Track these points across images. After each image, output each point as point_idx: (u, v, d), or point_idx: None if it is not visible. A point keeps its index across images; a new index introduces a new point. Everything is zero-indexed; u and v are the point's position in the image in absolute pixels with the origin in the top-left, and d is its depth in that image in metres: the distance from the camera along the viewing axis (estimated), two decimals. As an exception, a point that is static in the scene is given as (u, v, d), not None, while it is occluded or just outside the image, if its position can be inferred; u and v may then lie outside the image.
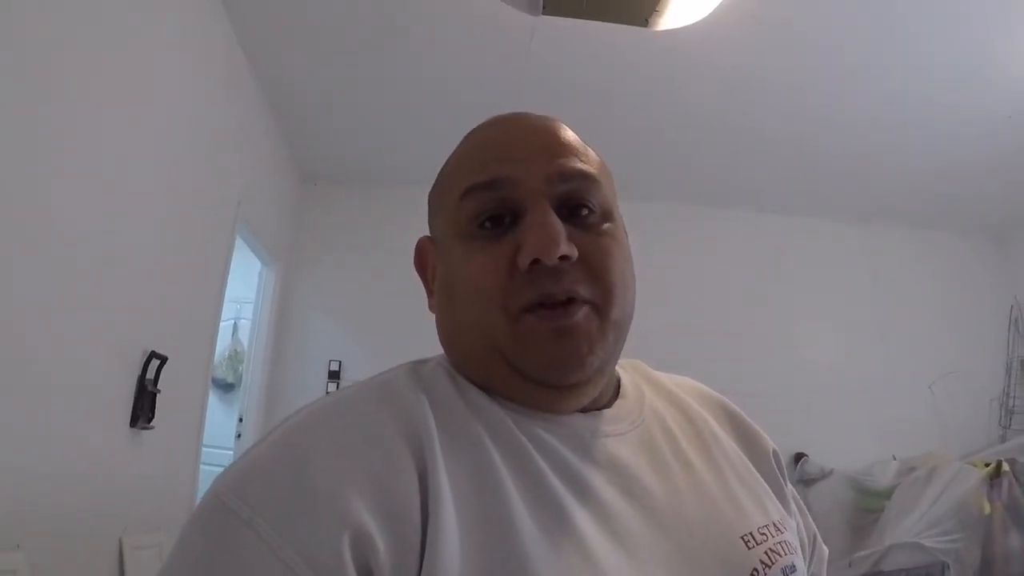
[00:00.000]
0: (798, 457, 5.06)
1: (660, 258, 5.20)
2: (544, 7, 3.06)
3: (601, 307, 0.82)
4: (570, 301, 0.79)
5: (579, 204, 0.84)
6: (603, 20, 3.17)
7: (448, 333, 0.88)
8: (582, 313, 0.80)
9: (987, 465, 4.12)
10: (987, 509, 3.90)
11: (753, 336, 5.41)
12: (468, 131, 0.94)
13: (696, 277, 5.51)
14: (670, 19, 3.13)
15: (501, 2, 3.12)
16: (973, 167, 4.75)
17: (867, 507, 4.56)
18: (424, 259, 0.96)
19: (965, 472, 4.11)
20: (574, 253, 0.79)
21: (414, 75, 3.92)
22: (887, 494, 4.44)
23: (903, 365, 5.45)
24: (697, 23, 3.19)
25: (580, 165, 0.85)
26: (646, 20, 3.13)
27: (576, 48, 3.60)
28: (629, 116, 4.32)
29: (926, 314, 5.65)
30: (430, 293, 0.94)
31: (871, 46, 3.52)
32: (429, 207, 0.95)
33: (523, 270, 0.78)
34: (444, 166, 0.93)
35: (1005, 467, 4.05)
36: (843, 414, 5.23)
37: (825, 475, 4.87)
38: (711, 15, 3.12)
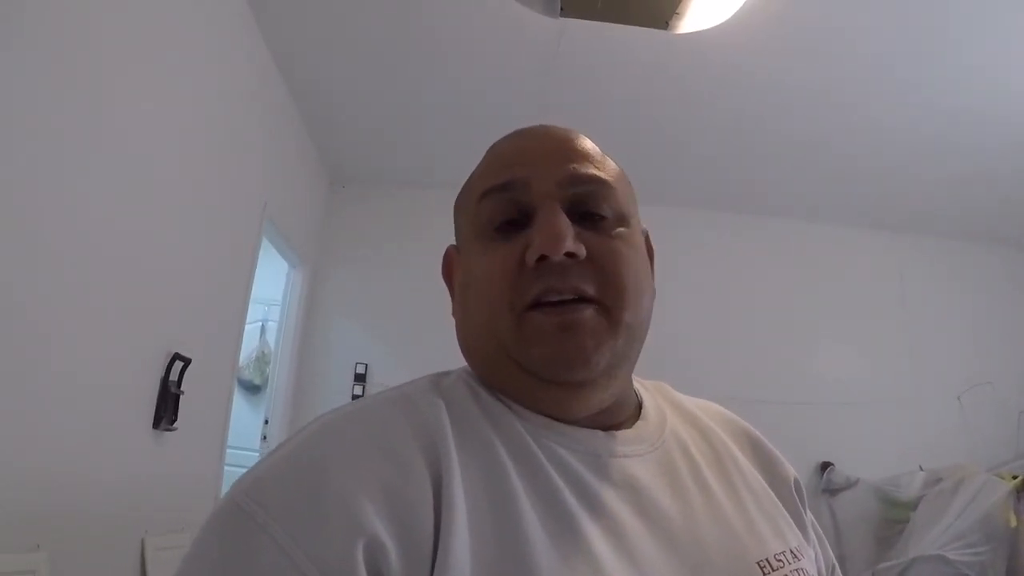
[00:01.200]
0: (824, 466, 5.01)
1: (684, 264, 5.19)
2: (562, 9, 3.05)
3: (610, 308, 0.82)
4: (577, 300, 0.81)
5: (591, 208, 0.86)
6: (622, 22, 3.14)
7: (463, 336, 0.91)
8: (589, 311, 0.81)
9: (1015, 477, 4.08)
10: (1013, 522, 3.86)
11: (780, 345, 5.37)
12: (493, 134, 0.99)
13: (721, 284, 5.48)
14: (691, 22, 3.09)
15: (526, 8, 3.11)
16: (1004, 176, 4.67)
17: (893, 518, 4.51)
18: (450, 268, 0.98)
19: (992, 484, 4.07)
20: (581, 251, 0.81)
21: (441, 79, 3.93)
22: (913, 505, 4.39)
23: (931, 375, 5.38)
24: (720, 26, 3.15)
25: (593, 170, 0.88)
26: (667, 23, 3.09)
27: (600, 52, 3.59)
28: (653, 121, 4.30)
29: (955, 324, 5.58)
30: (455, 300, 0.96)
31: (901, 52, 3.47)
32: (454, 216, 0.98)
33: (530, 267, 0.80)
34: (469, 176, 0.96)
35: (1033, 480, 4.01)
36: (870, 424, 5.18)
37: (851, 485, 4.83)
38: (734, 18, 3.09)
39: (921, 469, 4.69)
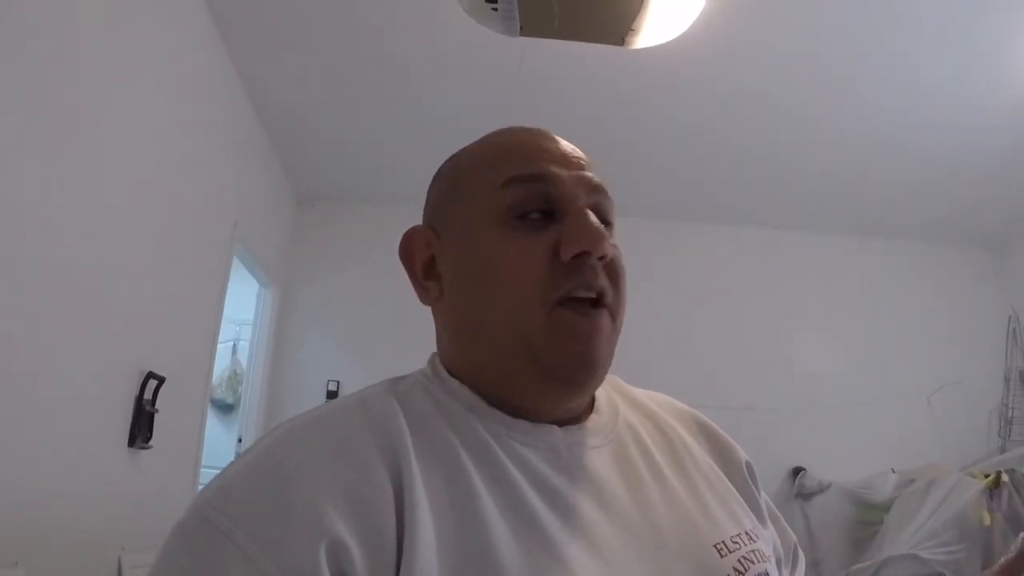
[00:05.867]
0: (796, 471, 5.04)
1: (652, 275, 5.19)
2: (521, 28, 3.07)
3: (615, 314, 0.87)
4: (597, 302, 0.84)
5: (602, 216, 0.88)
6: (579, 40, 3.17)
7: (465, 319, 0.89)
8: (605, 317, 0.85)
9: (987, 476, 4.10)
10: (987, 520, 3.88)
11: (749, 352, 5.39)
12: (466, 143, 0.98)
13: (688, 294, 5.49)
14: (646, 38, 3.12)
15: (487, 28, 3.13)
16: (966, 179, 4.74)
17: (866, 520, 4.53)
18: (412, 248, 0.96)
19: (964, 483, 4.09)
20: (610, 255, 0.85)
21: (406, 97, 3.95)
22: (886, 507, 4.41)
23: (901, 377, 5.42)
24: (675, 41, 3.18)
25: (602, 181, 0.90)
26: (622, 39, 3.12)
27: (562, 69, 3.63)
28: (615, 135, 4.31)
29: (924, 326, 5.62)
30: (418, 284, 0.95)
31: (854, 61, 3.53)
32: (438, 197, 0.97)
33: (565, 261, 0.82)
34: (462, 159, 0.96)
35: (1005, 477, 4.02)
36: (841, 427, 5.21)
37: (823, 489, 4.84)
38: (688, 33, 3.12)
39: (893, 471, 4.72)
